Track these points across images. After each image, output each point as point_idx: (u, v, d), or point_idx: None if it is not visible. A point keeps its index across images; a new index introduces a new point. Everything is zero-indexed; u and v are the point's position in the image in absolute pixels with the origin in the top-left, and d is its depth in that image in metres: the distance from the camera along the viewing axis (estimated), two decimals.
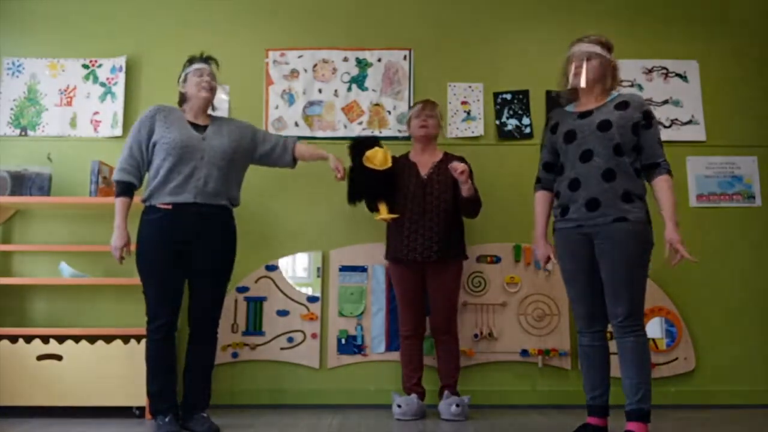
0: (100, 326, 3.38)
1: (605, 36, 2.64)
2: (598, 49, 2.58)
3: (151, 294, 2.74)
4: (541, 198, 2.76)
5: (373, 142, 3.16)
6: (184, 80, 2.92)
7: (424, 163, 3.23)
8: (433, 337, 3.24)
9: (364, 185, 3.09)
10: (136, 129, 2.83)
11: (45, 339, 3.11)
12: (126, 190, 2.79)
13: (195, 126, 2.86)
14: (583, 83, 2.57)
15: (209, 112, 3.00)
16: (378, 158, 3.06)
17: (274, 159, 3.08)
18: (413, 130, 3.27)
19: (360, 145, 3.13)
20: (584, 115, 2.58)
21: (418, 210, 3.12)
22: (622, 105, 2.53)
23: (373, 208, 3.17)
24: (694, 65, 3.78)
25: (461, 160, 3.21)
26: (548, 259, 2.72)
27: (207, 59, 2.94)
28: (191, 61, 2.94)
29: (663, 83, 3.76)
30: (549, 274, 3.53)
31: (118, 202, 2.78)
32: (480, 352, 3.47)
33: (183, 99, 2.94)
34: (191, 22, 3.76)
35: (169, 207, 2.75)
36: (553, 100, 3.65)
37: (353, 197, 3.15)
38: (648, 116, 2.53)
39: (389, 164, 3.08)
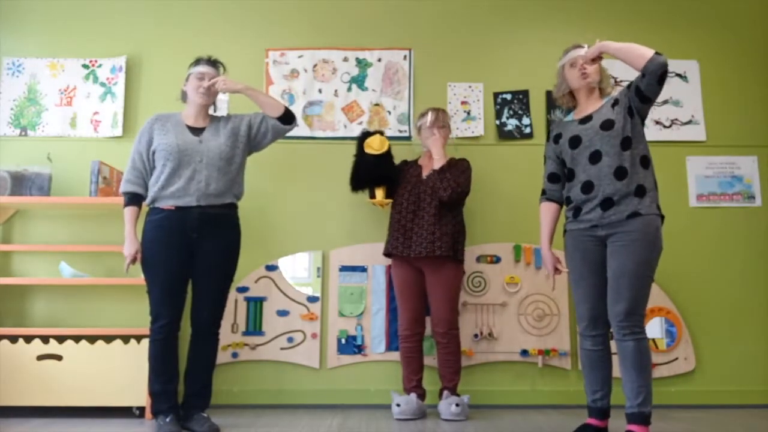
0: (100, 326, 3.39)
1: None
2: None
3: (154, 293, 2.74)
4: (546, 209, 2.78)
5: (375, 133, 3.37)
6: (187, 79, 2.92)
7: (429, 166, 3.28)
8: (433, 338, 3.24)
9: (363, 168, 3.29)
10: (137, 140, 2.88)
11: (45, 339, 3.12)
12: (132, 199, 2.83)
13: (193, 129, 2.87)
14: (590, 81, 2.61)
15: (210, 112, 3.00)
16: (376, 141, 3.30)
17: (267, 130, 2.95)
18: (424, 140, 3.31)
19: (364, 136, 3.35)
20: (585, 120, 2.62)
21: (413, 208, 3.18)
22: (615, 102, 2.59)
23: (372, 194, 3.32)
24: (694, 65, 3.79)
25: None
26: (557, 269, 2.75)
27: (213, 63, 2.93)
28: (197, 62, 2.93)
29: None
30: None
31: (126, 212, 2.82)
32: (480, 352, 3.47)
33: (184, 97, 2.95)
34: (191, 22, 3.76)
35: (172, 208, 2.76)
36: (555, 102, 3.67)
37: (356, 183, 3.32)
38: (630, 84, 2.56)
39: (386, 147, 3.31)
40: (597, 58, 2.60)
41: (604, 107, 2.60)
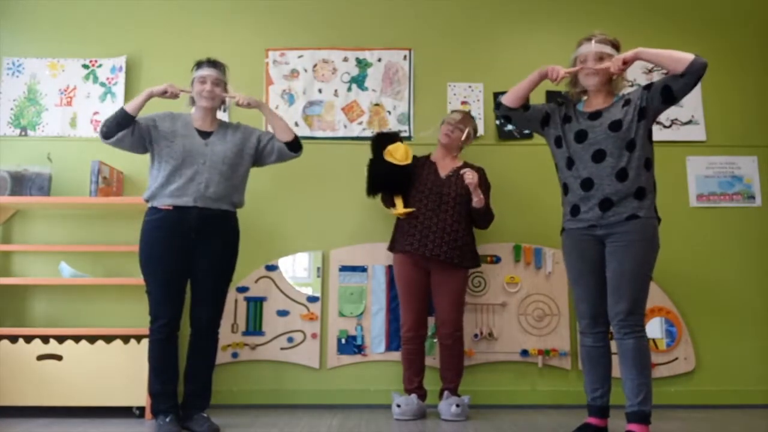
0: (100, 326, 3.38)
1: (611, 35, 2.63)
2: (608, 49, 2.58)
3: (153, 294, 2.75)
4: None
5: (394, 136, 3.28)
6: (192, 84, 2.91)
7: (445, 165, 3.26)
8: (437, 338, 3.23)
9: (384, 179, 3.19)
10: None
11: (45, 339, 3.11)
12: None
13: (201, 132, 2.87)
14: (594, 84, 2.58)
15: (219, 116, 2.99)
16: (399, 153, 3.19)
17: (272, 150, 2.98)
18: (440, 134, 3.29)
19: (382, 139, 3.26)
20: (594, 116, 2.59)
21: (434, 207, 3.14)
22: (627, 102, 2.56)
23: (389, 203, 3.24)
24: None
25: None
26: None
27: (213, 64, 2.90)
28: (198, 65, 2.91)
29: None
30: (549, 274, 3.54)
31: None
32: (480, 352, 3.47)
33: (193, 103, 2.95)
34: (191, 22, 3.76)
35: (170, 208, 2.76)
36: (555, 101, 3.66)
37: (373, 190, 3.23)
38: (648, 85, 2.55)
39: (410, 160, 3.20)
40: (606, 60, 2.54)
41: (615, 105, 2.57)
